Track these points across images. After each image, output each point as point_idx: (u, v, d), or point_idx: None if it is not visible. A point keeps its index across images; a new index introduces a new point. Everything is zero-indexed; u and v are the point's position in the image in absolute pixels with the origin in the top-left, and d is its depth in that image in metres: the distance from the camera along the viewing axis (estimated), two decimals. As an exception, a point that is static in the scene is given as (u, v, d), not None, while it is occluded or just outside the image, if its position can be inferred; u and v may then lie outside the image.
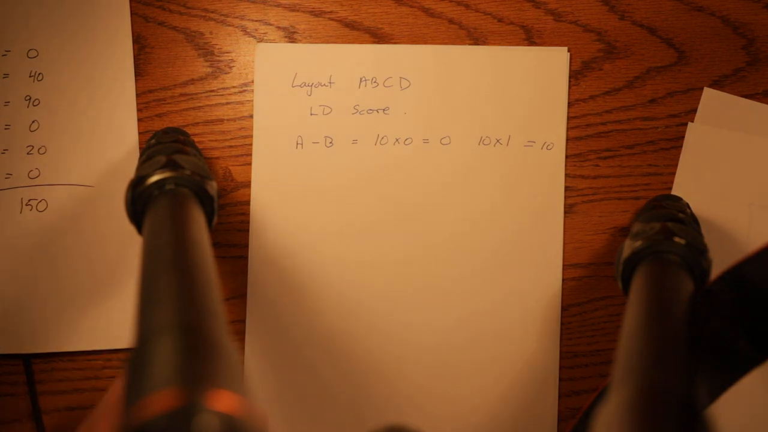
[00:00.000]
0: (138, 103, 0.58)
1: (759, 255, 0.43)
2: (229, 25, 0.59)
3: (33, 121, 0.58)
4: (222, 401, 0.29)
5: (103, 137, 0.58)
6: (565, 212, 0.59)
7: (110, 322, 0.58)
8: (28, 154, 0.58)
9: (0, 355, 0.58)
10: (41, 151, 0.58)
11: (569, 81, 0.59)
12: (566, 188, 0.59)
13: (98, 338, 0.58)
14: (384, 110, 0.59)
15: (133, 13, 0.58)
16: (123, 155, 0.58)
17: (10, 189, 0.58)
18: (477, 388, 0.58)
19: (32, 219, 0.58)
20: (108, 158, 0.58)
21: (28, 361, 0.58)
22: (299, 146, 0.59)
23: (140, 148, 0.58)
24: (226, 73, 0.59)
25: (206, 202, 0.48)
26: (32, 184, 0.58)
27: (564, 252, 0.59)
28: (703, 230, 0.53)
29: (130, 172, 0.51)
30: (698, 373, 0.37)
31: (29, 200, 0.58)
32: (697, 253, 0.47)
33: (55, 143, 0.58)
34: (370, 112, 0.59)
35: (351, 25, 0.59)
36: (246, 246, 0.59)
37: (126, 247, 0.57)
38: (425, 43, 0.59)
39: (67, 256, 0.58)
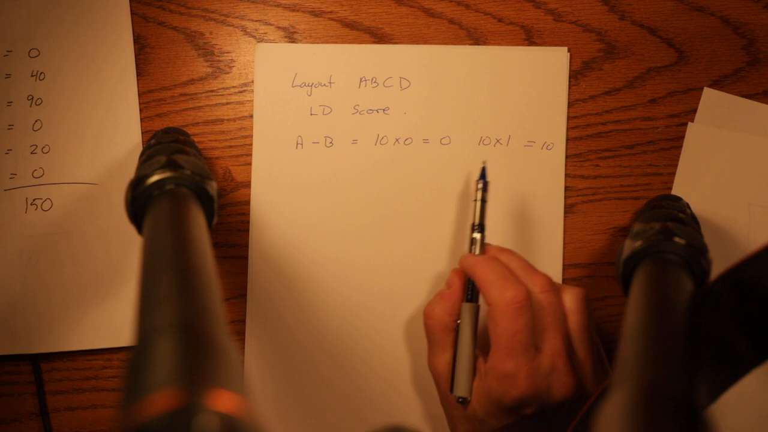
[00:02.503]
0: (138, 103, 0.58)
1: (759, 255, 0.43)
2: (229, 25, 0.59)
3: (36, 121, 0.58)
4: (222, 401, 0.29)
5: (106, 135, 0.58)
6: (565, 212, 0.59)
7: (115, 320, 0.58)
8: (32, 153, 0.58)
9: (8, 356, 0.58)
10: (45, 150, 0.58)
11: (569, 81, 0.59)
12: (566, 188, 0.59)
13: (102, 337, 0.58)
14: (384, 110, 0.59)
15: (133, 13, 0.58)
16: (126, 152, 0.58)
17: (15, 189, 0.58)
18: (477, 388, 0.58)
19: (38, 218, 0.58)
20: (112, 156, 0.58)
21: (36, 362, 0.58)
22: (299, 146, 0.58)
23: (143, 144, 0.58)
24: (226, 73, 0.59)
25: (206, 202, 0.48)
26: (37, 184, 0.58)
27: (564, 252, 0.59)
28: (703, 230, 0.53)
29: (133, 169, 0.51)
30: (698, 373, 0.37)
31: (34, 199, 0.58)
32: (697, 253, 0.47)
33: (59, 142, 0.58)
34: (370, 112, 0.59)
35: (351, 25, 0.59)
36: (246, 246, 0.59)
37: (130, 245, 0.58)
38: (425, 43, 0.59)
39: (72, 254, 0.58)
